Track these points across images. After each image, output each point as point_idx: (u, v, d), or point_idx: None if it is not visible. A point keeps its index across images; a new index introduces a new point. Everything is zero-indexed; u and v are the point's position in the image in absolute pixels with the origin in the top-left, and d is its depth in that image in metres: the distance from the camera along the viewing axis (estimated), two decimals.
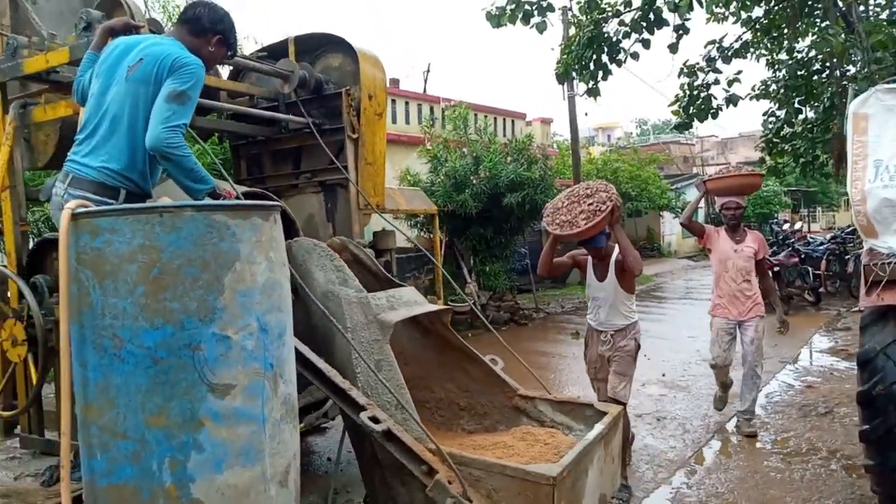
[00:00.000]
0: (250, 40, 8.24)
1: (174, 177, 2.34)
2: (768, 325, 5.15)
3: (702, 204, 26.20)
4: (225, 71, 4.66)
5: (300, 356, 2.68)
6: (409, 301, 3.33)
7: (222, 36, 2.61)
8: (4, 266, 3.39)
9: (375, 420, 2.60)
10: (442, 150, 10.77)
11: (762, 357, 4.96)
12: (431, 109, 14.68)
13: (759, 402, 5.70)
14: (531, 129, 17.57)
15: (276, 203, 2.21)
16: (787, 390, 6.21)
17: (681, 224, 5.41)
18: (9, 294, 3.29)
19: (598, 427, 2.91)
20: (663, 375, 6.87)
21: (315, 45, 4.45)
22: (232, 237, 1.94)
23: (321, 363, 2.79)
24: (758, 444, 4.75)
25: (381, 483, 2.80)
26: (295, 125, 4.22)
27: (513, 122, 17.06)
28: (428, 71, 17.81)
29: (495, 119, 16.11)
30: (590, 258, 4.15)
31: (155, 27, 3.09)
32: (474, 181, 9.97)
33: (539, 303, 12.30)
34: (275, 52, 4.41)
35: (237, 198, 2.59)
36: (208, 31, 2.57)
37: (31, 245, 3.51)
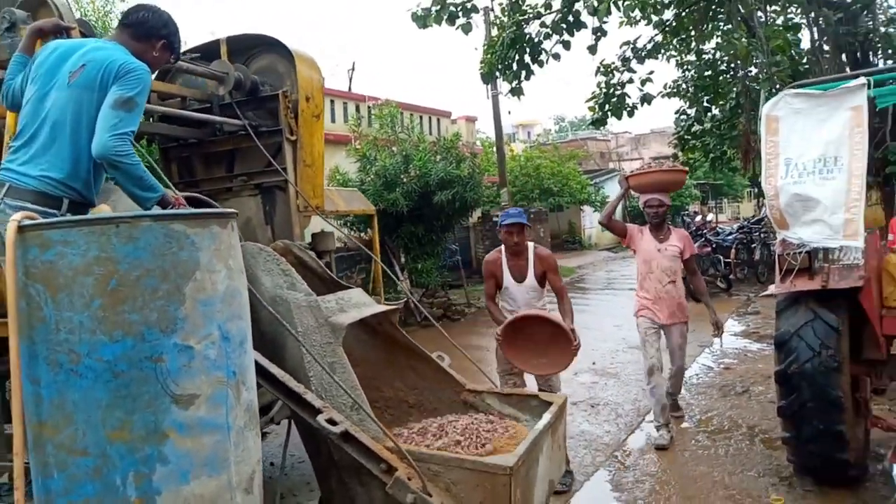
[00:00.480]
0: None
1: (122, 185, 2.27)
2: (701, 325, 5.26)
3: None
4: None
5: (254, 363, 2.66)
6: (357, 303, 3.35)
7: (167, 41, 2.55)
8: None
9: (332, 422, 2.62)
10: (371, 150, 10.75)
11: (685, 354, 5.00)
12: (357, 108, 14.58)
13: (684, 384, 6.07)
14: (457, 127, 17.78)
15: (232, 210, 2.19)
16: (708, 372, 6.64)
17: (600, 223, 5.16)
18: None
19: (546, 416, 3.04)
20: (594, 364, 7.18)
21: (248, 46, 4.37)
22: (191, 246, 1.92)
23: (274, 368, 2.77)
24: (684, 424, 5.08)
25: (338, 484, 2.82)
26: (230, 127, 4.14)
27: (438, 120, 17.20)
28: (353, 69, 17.65)
29: (421, 117, 16.19)
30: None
31: (86, 29, 2.97)
32: (405, 180, 10.02)
33: (470, 298, 12.49)
34: (206, 52, 4.29)
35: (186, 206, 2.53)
36: (153, 36, 2.51)
37: None
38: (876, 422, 3.82)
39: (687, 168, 5.15)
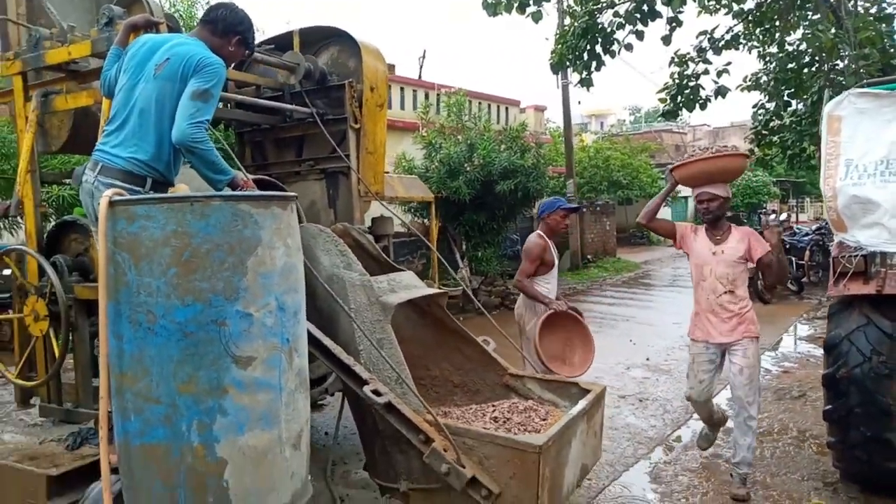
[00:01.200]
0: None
1: (197, 168, 2.53)
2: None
3: (691, 192, 26.63)
4: None
5: (308, 334, 2.89)
6: (408, 285, 3.55)
7: (242, 37, 2.80)
8: (24, 245, 3.57)
9: (377, 393, 2.83)
10: (437, 137, 10.94)
11: (758, 391, 3.83)
12: (426, 95, 14.81)
13: None
14: (525, 116, 17.74)
15: (292, 194, 2.41)
16: (765, 375, 6.50)
17: (639, 224, 4.35)
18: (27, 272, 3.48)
19: (582, 403, 3.16)
20: (647, 359, 7.16)
21: (319, 38, 4.61)
22: (254, 225, 2.15)
23: (327, 340, 3.01)
24: (731, 425, 5.02)
25: (381, 452, 3.03)
26: (299, 115, 4.39)
27: (507, 109, 17.21)
28: (423, 57, 17.87)
29: (489, 106, 16.25)
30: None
31: (172, 23, 3.26)
32: (468, 168, 10.15)
33: None
34: (280, 43, 4.57)
35: (255, 188, 2.78)
36: (229, 33, 2.76)
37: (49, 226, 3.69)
38: None
39: (746, 153, 4.06)
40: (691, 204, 27.55)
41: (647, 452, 4.52)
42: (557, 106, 16.34)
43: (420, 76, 17.05)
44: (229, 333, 2.09)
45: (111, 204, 2.10)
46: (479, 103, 15.05)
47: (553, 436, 2.70)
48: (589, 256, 17.35)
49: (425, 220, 10.90)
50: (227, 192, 2.54)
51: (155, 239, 2.06)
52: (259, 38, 5.23)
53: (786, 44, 11.20)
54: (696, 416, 5.27)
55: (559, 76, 15.66)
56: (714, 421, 4.21)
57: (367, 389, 2.84)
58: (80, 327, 3.29)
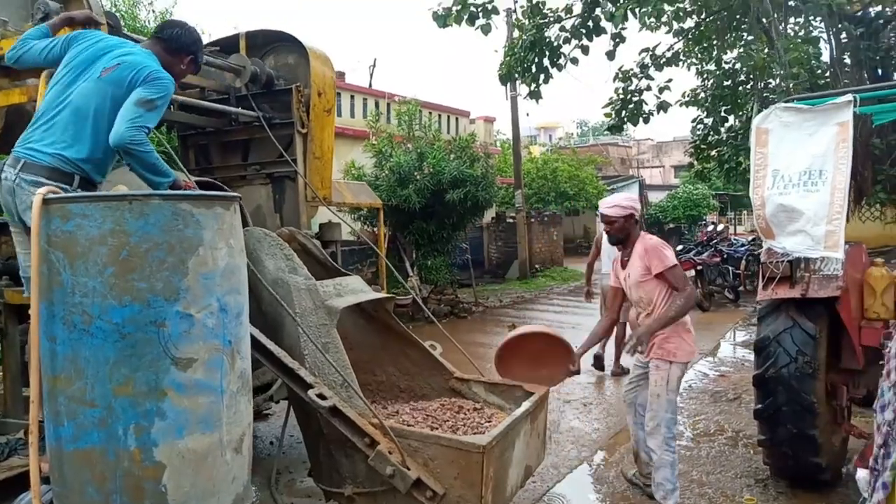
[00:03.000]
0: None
1: (136, 171, 2.48)
2: None
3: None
4: None
5: (252, 339, 2.85)
6: (354, 289, 3.54)
7: (194, 56, 2.85)
8: None
9: (322, 397, 2.82)
10: (387, 146, 10.96)
11: (664, 423, 3.45)
12: (377, 104, 14.81)
13: None
14: (475, 127, 17.94)
15: (235, 194, 2.39)
16: (703, 379, 6.75)
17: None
18: None
19: (525, 404, 3.21)
20: (592, 365, 7.30)
21: (266, 41, 4.59)
22: (196, 224, 2.12)
23: (271, 345, 2.98)
24: None
25: (325, 456, 3.01)
26: (245, 118, 4.35)
27: (457, 119, 17.37)
28: (374, 66, 17.93)
29: (440, 116, 16.37)
30: None
31: (113, 21, 3.19)
32: (418, 177, 10.21)
33: (479, 297, 12.66)
34: (226, 46, 4.52)
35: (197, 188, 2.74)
36: (182, 52, 2.78)
37: None
38: (850, 429, 3.92)
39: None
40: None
41: (589, 455, 4.62)
42: (507, 117, 16.59)
43: (371, 84, 17.05)
44: (168, 335, 2.05)
45: (45, 202, 2.04)
46: (430, 113, 15.13)
47: (496, 436, 2.75)
48: (537, 266, 17.62)
49: (375, 229, 10.89)
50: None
51: (91, 238, 2.01)
52: (205, 39, 5.17)
53: (722, 62, 11.71)
54: None
55: (507, 88, 15.93)
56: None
57: (311, 393, 2.82)
58: (10, 333, 3.16)
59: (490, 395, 3.64)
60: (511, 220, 17.51)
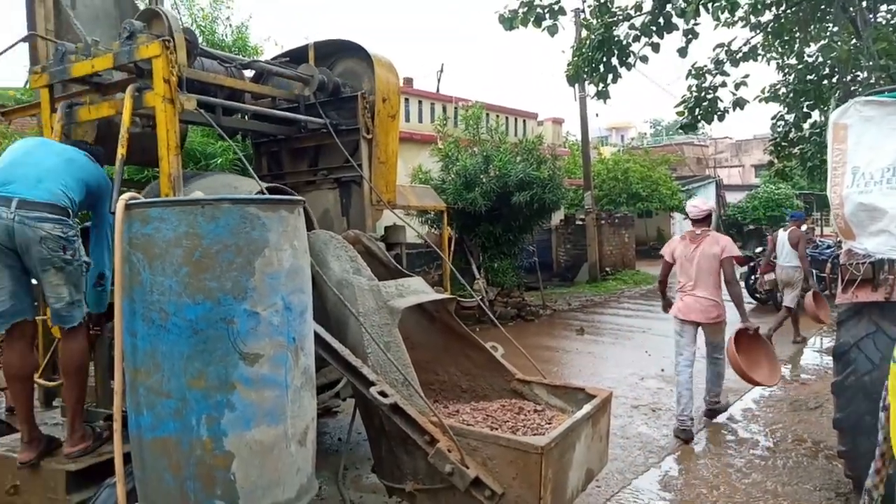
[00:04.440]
0: (271, 42, 8.62)
1: None
2: None
3: (713, 205, 26.16)
4: (248, 74, 4.96)
5: (318, 337, 2.96)
6: (416, 290, 3.61)
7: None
8: None
9: (384, 394, 2.89)
10: (453, 149, 11.04)
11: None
12: (444, 108, 14.94)
13: (753, 396, 5.98)
14: (543, 129, 17.79)
15: (300, 198, 2.50)
16: (782, 387, 6.44)
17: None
18: None
19: (587, 407, 3.18)
20: (662, 370, 7.13)
21: (333, 50, 4.74)
22: (262, 227, 2.24)
23: (336, 343, 3.08)
24: (746, 435, 5.00)
25: (387, 452, 3.09)
26: (313, 125, 4.50)
27: (524, 121, 17.28)
28: (441, 71, 18.16)
29: (507, 119, 16.34)
30: None
31: (190, 37, 3.40)
32: (484, 180, 10.23)
33: (546, 300, 12.55)
34: (295, 56, 4.71)
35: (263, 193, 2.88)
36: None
37: None
38: None
39: None
40: (713, 216, 27.33)
41: (657, 461, 4.51)
42: (576, 119, 16.39)
43: (438, 90, 17.22)
44: (237, 331, 2.17)
45: (127, 206, 2.21)
46: (497, 116, 15.14)
47: (556, 437, 2.74)
48: (607, 269, 17.28)
49: (439, 231, 11.00)
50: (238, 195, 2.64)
51: (167, 240, 2.16)
52: (277, 51, 5.40)
53: (805, 55, 11.14)
54: (708, 426, 5.25)
55: (576, 89, 15.74)
56: None
57: (373, 390, 2.90)
58: (103, 330, 3.40)
59: (552, 398, 3.62)
60: (580, 222, 17.25)
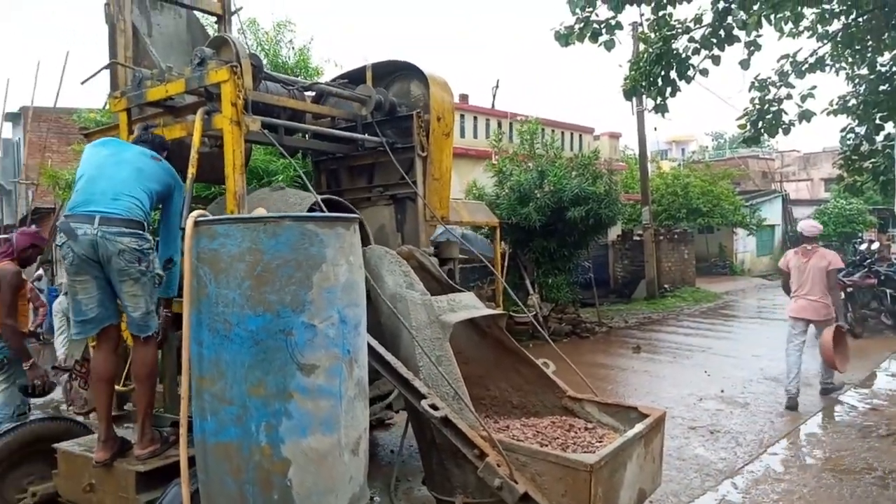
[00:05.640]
0: (331, 63, 8.93)
1: None
2: None
3: (779, 221, 25.07)
4: (309, 95, 5.16)
5: (371, 349, 3.06)
6: (468, 305, 3.67)
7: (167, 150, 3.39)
8: None
9: (435, 407, 2.95)
10: (507, 164, 11.08)
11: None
12: (499, 124, 15.01)
13: (818, 421, 5.75)
14: (599, 143, 17.61)
15: (355, 215, 2.60)
16: (850, 412, 6.14)
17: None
18: None
19: (639, 426, 3.15)
20: (722, 391, 6.91)
21: (389, 71, 4.88)
22: (320, 243, 2.35)
23: (389, 355, 3.17)
24: (811, 461, 4.80)
25: (438, 465, 3.14)
26: (370, 144, 4.64)
27: (580, 136, 17.15)
28: (496, 87, 18.15)
29: (563, 133, 16.27)
30: None
31: (256, 62, 3.58)
32: (538, 195, 10.21)
33: (602, 317, 12.36)
34: (353, 77, 4.88)
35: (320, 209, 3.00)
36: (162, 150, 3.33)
37: None
38: None
39: None
40: (778, 232, 26.31)
41: (714, 485, 4.38)
42: (633, 133, 16.17)
43: (493, 105, 17.32)
44: (295, 342, 2.28)
45: (196, 223, 2.35)
46: (553, 131, 15.10)
47: (606, 456, 2.73)
48: (666, 286, 16.88)
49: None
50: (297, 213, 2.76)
51: (232, 254, 2.29)
52: (336, 71, 5.59)
53: (877, 65, 10.70)
54: (769, 450, 5.06)
55: (634, 103, 15.54)
56: None
57: (425, 403, 2.96)
58: (170, 338, 3.59)
59: (603, 416, 3.60)
60: (638, 238, 16.94)
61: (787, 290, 6.67)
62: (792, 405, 6.17)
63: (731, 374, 7.80)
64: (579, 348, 9.89)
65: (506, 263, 10.28)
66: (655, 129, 20.05)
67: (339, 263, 2.40)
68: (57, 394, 5.97)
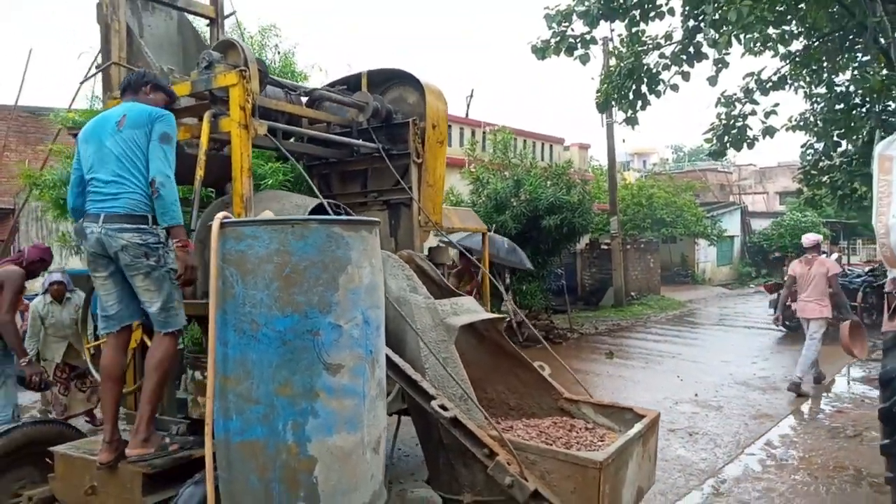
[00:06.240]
0: (315, 69, 8.96)
1: (159, 203, 2.85)
2: None
3: (738, 232, 25.79)
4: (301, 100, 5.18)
5: None
6: (469, 309, 3.74)
7: (152, 84, 3.19)
8: None
9: (444, 408, 3.01)
10: (484, 173, 11.23)
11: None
12: (473, 133, 15.17)
13: (790, 423, 5.98)
14: (569, 153, 17.95)
15: (377, 220, 2.66)
16: (818, 414, 6.43)
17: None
18: None
19: (638, 426, 3.26)
20: (696, 395, 7.14)
21: (385, 78, 4.94)
22: (346, 246, 2.39)
23: (397, 357, 3.21)
24: (787, 460, 5.01)
25: (445, 465, 3.19)
26: (366, 150, 4.69)
27: (551, 146, 17.46)
28: (471, 96, 18.33)
29: (534, 143, 16.53)
30: None
31: (262, 67, 3.61)
32: (514, 203, 10.39)
33: (573, 323, 12.58)
34: (348, 83, 4.92)
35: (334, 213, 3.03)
36: (139, 86, 3.16)
37: None
38: None
39: None
40: (737, 243, 27.14)
41: (698, 484, 4.54)
42: (601, 144, 16.53)
43: (467, 114, 17.49)
44: (322, 343, 2.31)
45: (222, 225, 2.37)
46: (524, 141, 15.34)
47: (613, 453, 2.83)
48: (633, 293, 17.26)
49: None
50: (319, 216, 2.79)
51: (260, 256, 2.32)
52: (326, 79, 5.62)
53: (834, 85, 11.20)
54: (747, 451, 5.27)
55: (604, 115, 15.88)
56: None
57: (434, 404, 3.02)
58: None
59: (599, 417, 3.71)
60: (605, 247, 17.30)
61: (787, 295, 8.30)
62: (796, 390, 7.08)
63: (702, 378, 8.05)
64: (551, 353, 10.04)
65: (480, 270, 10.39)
66: (624, 140, 20.55)
67: (362, 266, 2.45)
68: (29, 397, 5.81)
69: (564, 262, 14.86)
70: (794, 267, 7.82)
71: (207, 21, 5.10)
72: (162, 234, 2.95)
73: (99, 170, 2.95)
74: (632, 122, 10.49)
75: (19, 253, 4.93)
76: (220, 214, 2.42)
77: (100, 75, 4.36)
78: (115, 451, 2.96)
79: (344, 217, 2.81)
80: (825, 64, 10.83)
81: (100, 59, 4.28)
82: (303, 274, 2.31)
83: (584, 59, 9.64)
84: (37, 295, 5.75)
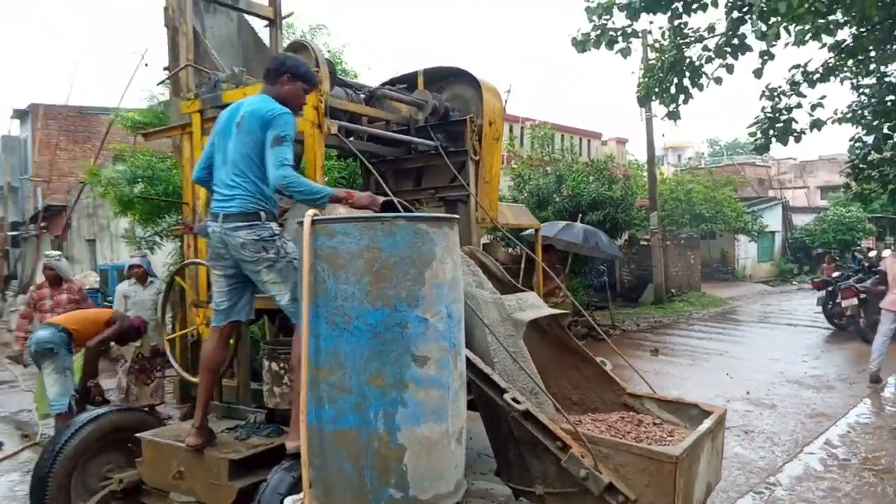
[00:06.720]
0: (364, 67, 9.09)
1: (298, 200, 2.93)
2: None
3: (779, 227, 25.20)
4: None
5: None
6: (533, 304, 3.79)
7: (290, 73, 3.07)
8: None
9: (516, 401, 3.06)
10: (526, 169, 11.23)
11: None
12: (511, 128, 15.18)
13: (849, 421, 5.89)
14: (607, 148, 17.83)
15: (457, 216, 2.72)
16: (879, 413, 6.30)
17: None
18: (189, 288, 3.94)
19: (707, 422, 3.27)
20: (748, 393, 7.06)
21: (441, 76, 5.01)
22: (431, 242, 2.46)
23: (467, 351, 3.26)
24: (850, 461, 4.94)
25: (516, 458, 3.24)
26: (423, 147, 4.77)
27: (589, 141, 17.37)
28: (509, 92, 18.28)
29: (572, 138, 16.46)
30: None
31: (330, 68, 3.70)
32: (557, 199, 10.38)
33: (615, 320, 12.51)
34: (405, 82, 5.00)
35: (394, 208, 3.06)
36: (279, 76, 3.07)
37: None
38: None
39: None
40: (778, 239, 26.59)
41: (759, 482, 4.52)
42: (637, 138, 16.35)
43: (505, 110, 17.51)
44: (410, 335, 2.39)
45: (313, 222, 2.46)
46: (563, 136, 15.29)
47: (687, 448, 2.85)
48: (673, 290, 17.06)
49: (514, 249, 11.14)
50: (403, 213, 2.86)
51: (351, 252, 2.40)
52: (375, 78, 5.70)
53: (884, 75, 10.90)
54: (806, 450, 5.21)
55: (643, 109, 15.72)
56: None
57: (507, 397, 3.08)
58: (243, 334, 3.69)
59: (663, 412, 3.71)
60: (644, 243, 17.12)
61: (878, 289, 8.69)
62: (875, 379, 7.39)
63: (751, 377, 7.95)
64: (596, 351, 9.85)
65: (522, 267, 10.39)
66: (664, 135, 20.35)
67: (445, 261, 2.52)
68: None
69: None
70: (889, 261, 7.94)
71: (266, 22, 5.23)
72: (275, 228, 3.02)
73: (221, 170, 3.07)
74: (674, 116, 10.37)
75: (135, 319, 5.35)
76: (311, 212, 2.51)
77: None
78: (202, 436, 3.09)
79: (428, 214, 2.88)
80: (873, 54, 10.54)
81: (148, 59, 4.43)
82: (392, 269, 2.39)
83: (626, 53, 9.55)
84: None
